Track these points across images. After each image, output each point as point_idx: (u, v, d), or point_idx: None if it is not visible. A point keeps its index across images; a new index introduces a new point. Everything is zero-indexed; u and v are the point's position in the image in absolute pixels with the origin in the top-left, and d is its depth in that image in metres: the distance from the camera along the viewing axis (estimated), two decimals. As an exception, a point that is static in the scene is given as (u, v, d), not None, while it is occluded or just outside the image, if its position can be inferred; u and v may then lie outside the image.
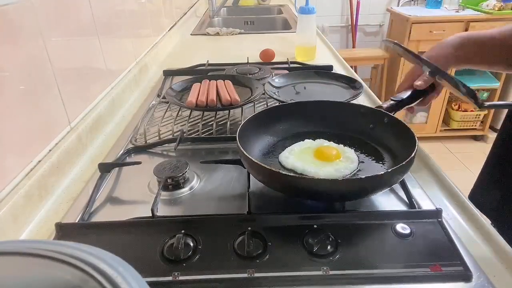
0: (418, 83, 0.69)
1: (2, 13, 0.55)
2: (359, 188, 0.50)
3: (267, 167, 0.50)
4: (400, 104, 0.70)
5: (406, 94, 0.71)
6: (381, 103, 0.74)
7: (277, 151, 0.66)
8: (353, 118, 0.69)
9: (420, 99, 0.72)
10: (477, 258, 0.46)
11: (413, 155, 0.51)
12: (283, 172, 0.50)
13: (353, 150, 0.64)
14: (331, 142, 0.66)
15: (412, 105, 0.72)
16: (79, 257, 0.27)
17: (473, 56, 0.73)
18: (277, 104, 0.78)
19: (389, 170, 0.50)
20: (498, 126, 2.79)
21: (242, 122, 0.63)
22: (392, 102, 0.70)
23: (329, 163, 0.60)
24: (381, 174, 0.49)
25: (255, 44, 1.55)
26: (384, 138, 0.65)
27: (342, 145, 0.65)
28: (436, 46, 0.73)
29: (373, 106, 0.71)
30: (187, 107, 0.82)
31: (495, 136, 0.90)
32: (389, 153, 0.63)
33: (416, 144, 0.54)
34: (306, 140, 0.66)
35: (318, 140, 0.66)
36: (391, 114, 0.66)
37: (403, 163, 0.50)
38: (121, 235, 0.51)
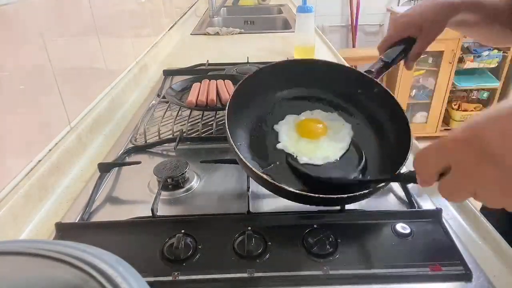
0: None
1: (2, 13, 0.55)
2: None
3: (265, 176, 0.49)
4: (389, 65, 0.67)
5: (394, 53, 0.67)
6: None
7: (267, 124, 0.63)
8: (341, 81, 0.66)
9: (407, 53, 0.67)
10: (477, 258, 0.46)
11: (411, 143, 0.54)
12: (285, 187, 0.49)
13: (342, 119, 0.64)
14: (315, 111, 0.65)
15: (403, 59, 0.69)
16: (79, 257, 0.27)
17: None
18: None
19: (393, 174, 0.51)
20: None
21: (227, 104, 0.57)
22: (381, 63, 0.67)
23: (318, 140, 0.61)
24: (388, 177, 0.51)
25: (255, 44, 1.55)
26: (372, 107, 0.64)
27: (330, 112, 0.65)
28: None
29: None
30: (187, 107, 0.83)
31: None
32: (377, 127, 0.63)
33: (410, 133, 0.56)
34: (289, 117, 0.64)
35: (303, 113, 0.65)
36: (382, 85, 0.64)
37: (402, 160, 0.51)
38: (121, 235, 0.51)
